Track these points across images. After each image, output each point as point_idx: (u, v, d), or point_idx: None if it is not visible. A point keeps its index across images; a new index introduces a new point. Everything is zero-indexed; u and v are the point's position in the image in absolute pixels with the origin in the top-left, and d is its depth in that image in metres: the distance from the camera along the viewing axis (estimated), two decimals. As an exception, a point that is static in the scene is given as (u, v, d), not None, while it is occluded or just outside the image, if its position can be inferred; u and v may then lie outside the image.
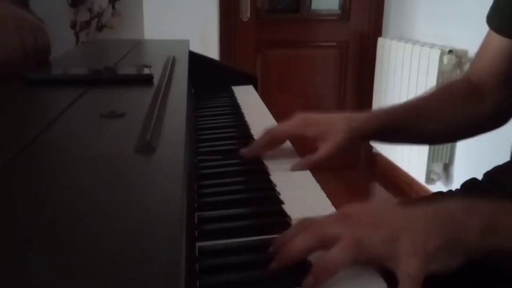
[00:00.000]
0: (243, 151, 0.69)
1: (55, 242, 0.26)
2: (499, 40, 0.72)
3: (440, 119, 0.76)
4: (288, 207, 0.53)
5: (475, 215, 0.44)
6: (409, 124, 0.74)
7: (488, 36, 0.75)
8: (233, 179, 0.61)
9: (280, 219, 0.50)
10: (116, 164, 0.39)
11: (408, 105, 0.77)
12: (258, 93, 1.13)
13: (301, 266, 0.41)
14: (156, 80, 0.71)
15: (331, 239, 0.41)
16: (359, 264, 0.41)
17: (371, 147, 2.67)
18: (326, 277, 0.39)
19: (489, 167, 0.77)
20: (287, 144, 0.74)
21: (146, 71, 0.73)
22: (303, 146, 0.73)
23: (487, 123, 0.78)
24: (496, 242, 0.44)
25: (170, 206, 0.31)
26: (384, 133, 0.73)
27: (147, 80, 0.71)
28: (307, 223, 0.44)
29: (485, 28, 0.75)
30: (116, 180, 0.36)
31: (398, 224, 0.43)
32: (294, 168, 0.66)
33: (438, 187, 2.08)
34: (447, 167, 2.09)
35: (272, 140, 0.70)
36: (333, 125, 0.69)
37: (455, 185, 1.09)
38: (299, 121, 0.70)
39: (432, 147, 2.02)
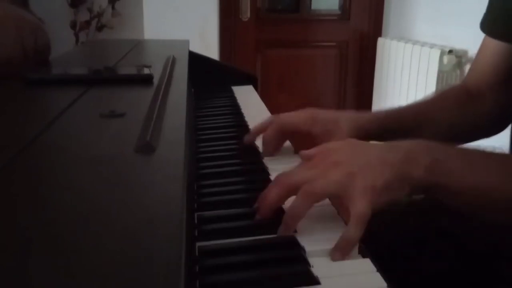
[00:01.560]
0: (247, 138, 0.72)
1: (55, 242, 0.26)
2: (494, 44, 0.73)
3: (438, 124, 0.76)
4: (288, 207, 0.53)
5: (427, 154, 0.49)
6: (409, 127, 0.75)
7: (484, 41, 0.75)
8: (233, 179, 0.61)
9: (280, 219, 0.50)
10: (116, 164, 0.39)
11: (408, 109, 0.78)
12: (258, 93, 1.13)
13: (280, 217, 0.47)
14: (156, 80, 0.71)
15: (295, 186, 0.48)
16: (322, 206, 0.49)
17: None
18: (293, 223, 0.47)
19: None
20: (287, 143, 0.74)
21: (146, 71, 0.73)
22: (302, 145, 0.73)
23: (485, 128, 0.78)
24: (438, 179, 0.49)
25: (170, 206, 0.31)
26: (384, 135, 0.73)
27: (147, 80, 0.71)
28: (279, 177, 0.51)
29: (485, 29, 0.75)
30: (116, 180, 0.36)
31: (353, 164, 0.48)
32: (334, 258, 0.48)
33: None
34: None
35: (280, 130, 0.69)
36: (338, 124, 0.69)
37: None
38: (307, 117, 0.70)
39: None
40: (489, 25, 0.74)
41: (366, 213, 0.45)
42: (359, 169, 0.47)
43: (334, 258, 0.43)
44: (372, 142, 0.53)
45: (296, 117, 0.70)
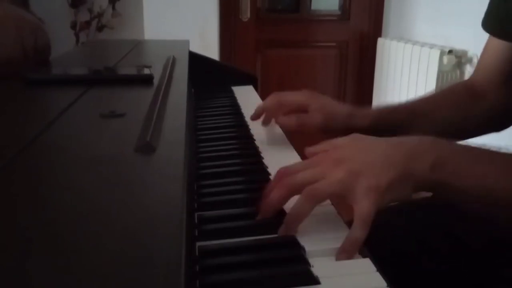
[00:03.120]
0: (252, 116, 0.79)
1: (55, 242, 0.26)
2: (497, 43, 0.74)
3: (435, 120, 0.78)
4: (288, 207, 0.53)
5: (431, 152, 0.49)
6: (404, 124, 0.77)
7: (488, 40, 0.76)
8: (233, 179, 0.61)
9: (280, 219, 0.50)
10: (116, 164, 0.39)
11: (404, 106, 0.80)
12: (258, 93, 1.13)
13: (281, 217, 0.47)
14: (156, 80, 0.71)
15: (298, 186, 0.48)
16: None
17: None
18: (295, 225, 0.46)
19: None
20: (287, 143, 0.74)
21: (146, 71, 0.73)
22: (302, 144, 0.75)
23: (487, 124, 0.79)
24: (442, 178, 0.48)
25: (170, 206, 0.31)
26: (377, 130, 0.74)
27: (147, 80, 0.71)
28: (281, 174, 0.51)
29: (485, 29, 0.75)
30: (116, 180, 0.36)
31: (357, 163, 0.48)
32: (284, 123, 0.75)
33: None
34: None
35: (279, 105, 0.76)
36: (334, 106, 0.76)
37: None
38: (307, 93, 0.77)
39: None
40: (490, 24, 0.75)
41: (370, 214, 0.45)
42: (363, 167, 0.47)
43: (339, 259, 0.43)
44: (377, 137, 0.52)
45: (296, 93, 0.78)
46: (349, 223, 0.48)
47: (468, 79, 0.82)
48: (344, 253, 0.43)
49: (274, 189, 0.49)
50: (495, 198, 0.50)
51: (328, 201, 0.52)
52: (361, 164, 0.47)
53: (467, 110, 0.78)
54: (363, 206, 0.45)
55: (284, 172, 0.51)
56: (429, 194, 0.54)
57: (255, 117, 0.79)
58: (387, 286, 0.39)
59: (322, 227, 0.48)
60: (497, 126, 0.80)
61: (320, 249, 0.44)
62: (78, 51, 1.39)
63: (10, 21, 0.76)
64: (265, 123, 0.79)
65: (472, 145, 0.52)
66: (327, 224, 0.49)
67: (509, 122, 0.78)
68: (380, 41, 2.51)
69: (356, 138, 0.53)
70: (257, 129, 0.81)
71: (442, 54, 1.95)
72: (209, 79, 1.16)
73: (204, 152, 0.70)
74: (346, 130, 0.72)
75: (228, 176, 0.62)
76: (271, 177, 0.62)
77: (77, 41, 2.27)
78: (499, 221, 0.58)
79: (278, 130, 0.81)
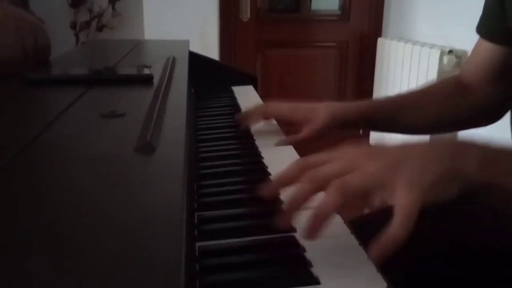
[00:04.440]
0: (237, 116, 0.81)
1: (55, 242, 0.26)
2: (487, 45, 0.76)
3: (423, 114, 0.80)
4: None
5: (476, 148, 0.43)
6: (389, 117, 0.80)
7: (479, 41, 0.79)
8: (233, 179, 0.61)
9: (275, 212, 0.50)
10: (116, 164, 0.39)
11: (393, 99, 0.83)
12: (258, 93, 1.13)
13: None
14: (156, 80, 0.71)
15: (325, 181, 0.42)
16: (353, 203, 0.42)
17: (371, 147, 2.67)
18: (322, 223, 0.41)
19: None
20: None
21: (146, 71, 0.73)
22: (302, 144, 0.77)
23: (474, 118, 0.82)
24: (491, 176, 0.42)
25: (170, 206, 0.31)
26: (365, 122, 0.79)
27: (147, 80, 0.71)
28: (301, 166, 0.45)
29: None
30: (116, 180, 0.36)
31: (394, 156, 0.42)
32: (278, 144, 0.74)
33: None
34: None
35: (263, 116, 0.80)
36: (316, 112, 0.76)
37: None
38: (290, 106, 0.79)
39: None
40: (484, 28, 0.77)
41: (414, 208, 0.39)
42: (403, 160, 0.41)
43: (372, 256, 0.39)
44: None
45: (278, 106, 0.81)
46: (350, 223, 0.48)
47: (457, 75, 0.84)
48: (379, 250, 0.39)
49: (297, 187, 0.43)
50: None
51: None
52: (400, 157, 0.42)
53: (455, 105, 0.80)
54: (405, 199, 0.39)
55: (306, 164, 0.45)
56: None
57: (239, 118, 0.82)
58: (387, 286, 0.39)
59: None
60: (482, 122, 0.82)
61: (320, 249, 0.44)
62: (78, 51, 1.39)
63: (10, 21, 0.76)
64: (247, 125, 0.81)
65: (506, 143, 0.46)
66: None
67: (493, 119, 0.81)
68: (380, 41, 2.51)
69: (379, 145, 0.47)
70: (257, 129, 0.81)
71: (442, 54, 1.95)
72: (209, 79, 1.16)
73: (204, 152, 0.70)
74: (335, 126, 0.76)
75: (228, 176, 0.62)
76: (271, 177, 0.62)
77: (77, 41, 2.27)
78: None
79: (278, 130, 0.81)
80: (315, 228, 0.41)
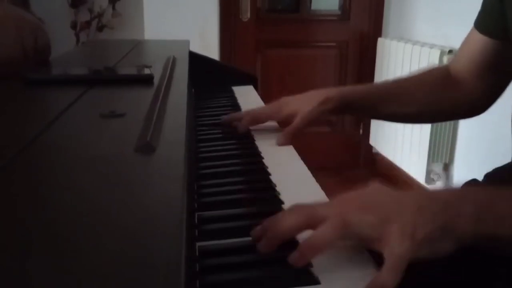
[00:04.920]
0: (224, 117, 0.83)
1: (55, 242, 0.26)
2: (480, 37, 0.76)
3: (407, 102, 0.81)
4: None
5: (469, 203, 0.44)
6: (374, 104, 0.81)
7: (471, 31, 0.79)
8: (233, 179, 0.61)
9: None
10: (116, 164, 0.39)
11: (376, 87, 0.84)
12: (258, 93, 1.13)
13: (291, 247, 0.41)
14: (156, 80, 0.71)
15: (319, 218, 0.42)
16: (347, 246, 0.43)
17: (371, 147, 2.67)
18: (312, 254, 0.40)
19: (489, 167, 0.77)
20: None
21: (146, 71, 0.73)
22: (302, 144, 0.76)
23: (462, 108, 0.83)
24: (487, 229, 0.43)
25: (170, 206, 0.31)
26: (346, 110, 0.80)
27: (147, 80, 0.71)
28: (298, 207, 0.45)
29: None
30: (116, 180, 0.36)
31: (388, 209, 0.42)
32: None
33: (438, 187, 2.08)
34: (447, 167, 2.09)
35: (253, 121, 0.80)
36: (302, 102, 0.78)
37: (455, 185, 1.09)
38: (275, 106, 0.81)
39: (432, 147, 2.02)
40: (482, 25, 0.76)
41: (404, 256, 0.40)
42: (396, 215, 0.42)
43: None
44: (401, 191, 0.46)
45: (265, 109, 0.83)
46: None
47: (446, 65, 0.84)
48: None
49: (288, 214, 0.44)
50: None
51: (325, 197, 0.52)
52: (393, 212, 0.42)
53: (442, 95, 0.81)
54: (396, 249, 0.40)
55: (301, 206, 0.45)
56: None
57: (225, 121, 0.83)
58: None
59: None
60: (466, 115, 0.84)
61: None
62: (78, 51, 1.39)
63: (10, 21, 0.76)
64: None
65: (496, 186, 0.46)
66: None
67: (477, 112, 0.82)
68: (380, 41, 2.51)
69: (380, 188, 0.47)
70: (257, 129, 0.81)
71: (442, 54, 1.95)
72: (209, 79, 1.16)
73: (204, 152, 0.70)
74: (323, 113, 0.78)
75: (228, 176, 0.62)
76: (271, 177, 0.62)
77: (77, 41, 2.27)
78: None
79: (278, 130, 0.81)
80: (304, 257, 0.41)
